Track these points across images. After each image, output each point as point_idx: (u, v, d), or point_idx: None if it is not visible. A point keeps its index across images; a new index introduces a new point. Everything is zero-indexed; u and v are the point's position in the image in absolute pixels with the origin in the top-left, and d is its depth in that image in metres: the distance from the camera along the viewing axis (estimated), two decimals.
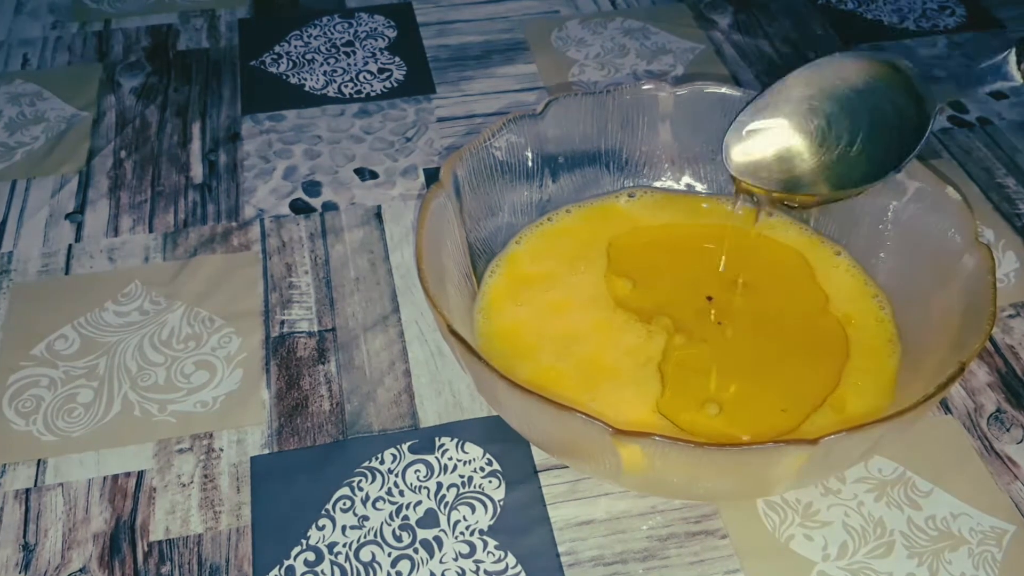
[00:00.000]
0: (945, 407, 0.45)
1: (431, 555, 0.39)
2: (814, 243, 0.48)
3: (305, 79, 0.64)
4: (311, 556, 0.39)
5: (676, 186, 0.51)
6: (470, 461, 0.43)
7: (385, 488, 0.42)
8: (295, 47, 0.67)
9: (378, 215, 0.55)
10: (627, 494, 0.41)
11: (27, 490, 0.42)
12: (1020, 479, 0.42)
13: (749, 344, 0.44)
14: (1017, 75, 0.38)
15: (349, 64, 0.66)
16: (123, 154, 0.59)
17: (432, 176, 0.57)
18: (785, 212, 0.49)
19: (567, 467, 0.42)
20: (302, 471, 0.42)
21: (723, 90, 0.48)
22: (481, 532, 0.40)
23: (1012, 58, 0.39)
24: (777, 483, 0.37)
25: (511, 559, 0.39)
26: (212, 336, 0.48)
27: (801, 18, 0.70)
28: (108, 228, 0.54)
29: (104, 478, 0.42)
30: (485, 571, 0.39)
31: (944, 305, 0.41)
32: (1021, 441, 0.44)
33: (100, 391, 0.45)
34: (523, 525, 0.40)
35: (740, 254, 0.47)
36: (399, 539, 0.40)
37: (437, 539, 0.40)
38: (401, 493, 0.41)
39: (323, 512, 0.41)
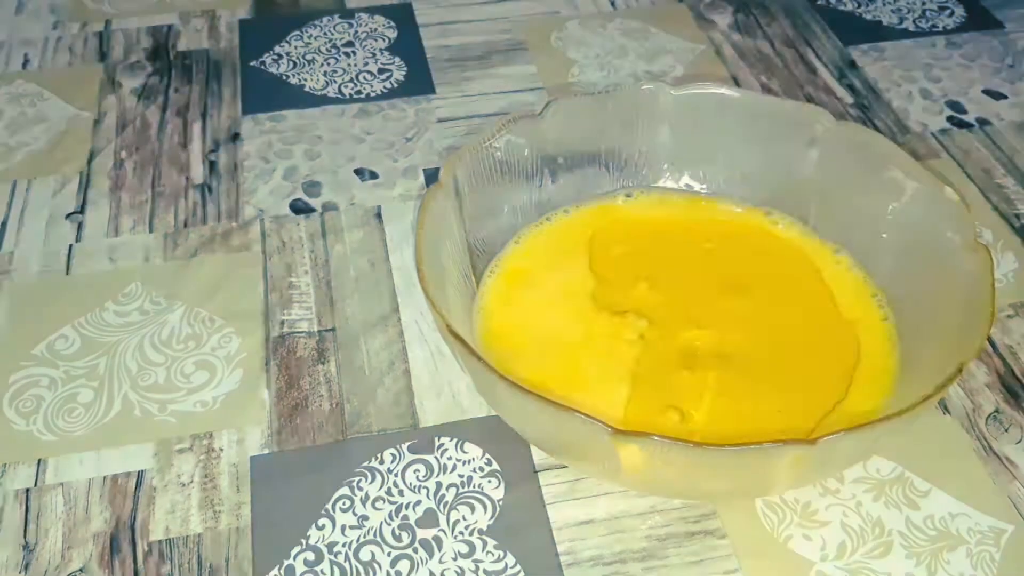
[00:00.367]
0: (944, 407, 0.45)
1: (430, 555, 0.39)
2: (814, 243, 0.48)
3: (305, 79, 0.64)
4: (311, 556, 0.40)
5: (675, 186, 0.51)
6: (469, 461, 0.43)
7: (385, 488, 0.42)
8: (295, 47, 0.67)
9: (378, 215, 0.55)
10: (626, 494, 0.41)
11: (27, 490, 0.42)
12: (1018, 479, 0.42)
13: (754, 346, 0.44)
14: None
15: (349, 64, 0.66)
16: (123, 154, 0.59)
17: (432, 176, 0.57)
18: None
19: (566, 467, 0.42)
20: (302, 471, 0.42)
21: (723, 91, 0.48)
22: (480, 532, 0.40)
23: None
24: (776, 483, 0.37)
25: (510, 559, 0.39)
26: (212, 336, 0.48)
27: (800, 18, 0.70)
28: (108, 228, 0.54)
29: (104, 478, 0.42)
30: (484, 571, 0.39)
31: (943, 305, 0.41)
32: (1019, 441, 0.44)
33: (100, 391, 0.45)
34: (522, 525, 0.40)
35: (739, 251, 0.48)
36: (399, 539, 0.40)
37: (436, 539, 0.40)
38: (401, 493, 0.42)
39: (323, 512, 0.41)
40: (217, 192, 0.56)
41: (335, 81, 0.64)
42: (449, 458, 0.43)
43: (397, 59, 0.66)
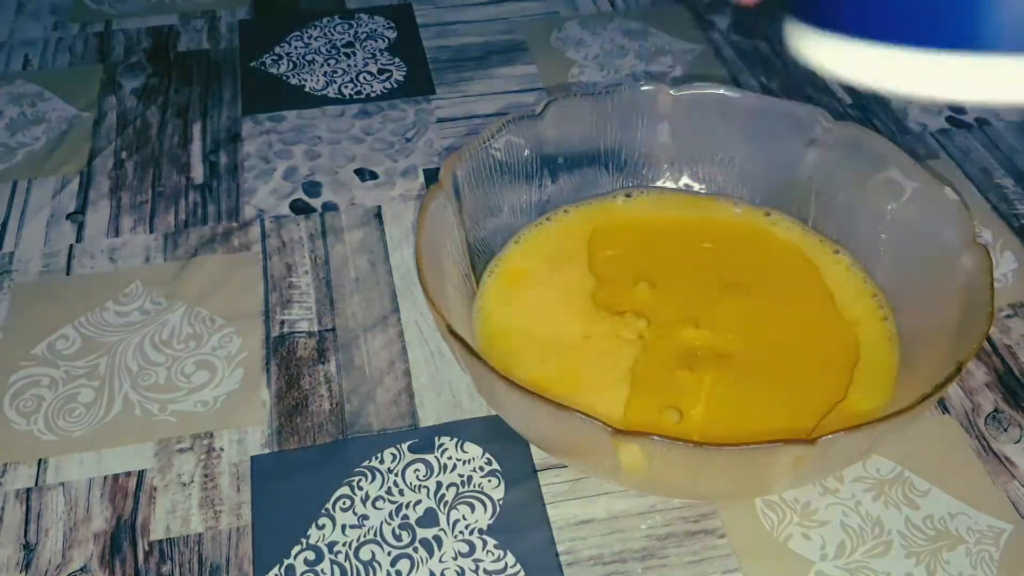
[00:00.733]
0: (943, 407, 0.45)
1: (431, 554, 0.40)
2: (814, 243, 0.48)
3: (305, 80, 0.64)
4: (311, 555, 0.40)
5: (675, 187, 0.51)
6: (469, 460, 0.43)
7: (385, 487, 0.42)
8: (295, 48, 0.67)
9: (378, 215, 0.55)
10: (626, 493, 0.41)
11: (28, 489, 0.42)
12: (1017, 478, 0.42)
13: (754, 346, 0.44)
14: None
15: (349, 65, 0.66)
16: (124, 155, 0.59)
17: (432, 176, 0.57)
18: None
19: (566, 466, 0.42)
20: (302, 471, 0.42)
21: (722, 91, 0.48)
22: (480, 531, 0.40)
23: None
24: (775, 483, 0.37)
25: (510, 558, 0.39)
26: (212, 336, 0.48)
27: None
28: (109, 228, 0.54)
29: (105, 477, 0.42)
30: (484, 570, 0.39)
31: (942, 305, 0.41)
32: (1018, 441, 0.44)
33: (101, 391, 0.45)
34: (522, 524, 0.40)
35: (738, 251, 0.48)
36: (399, 538, 0.40)
37: (437, 538, 0.40)
38: (401, 492, 0.42)
39: (323, 511, 0.41)
40: (217, 192, 0.56)
41: (335, 81, 0.64)
42: (449, 458, 0.43)
43: (397, 59, 0.66)
